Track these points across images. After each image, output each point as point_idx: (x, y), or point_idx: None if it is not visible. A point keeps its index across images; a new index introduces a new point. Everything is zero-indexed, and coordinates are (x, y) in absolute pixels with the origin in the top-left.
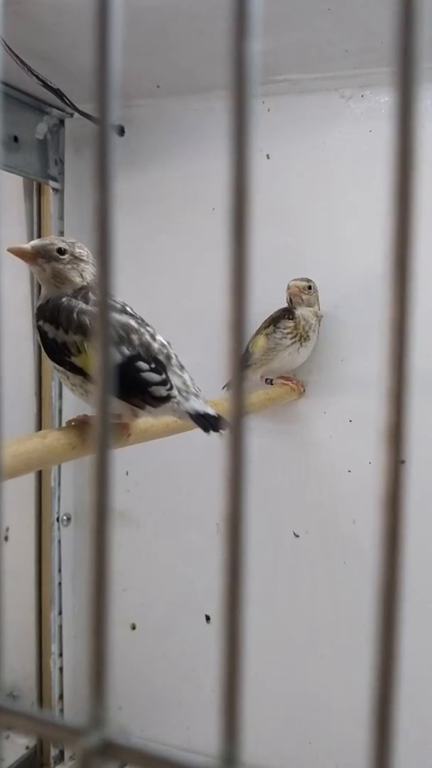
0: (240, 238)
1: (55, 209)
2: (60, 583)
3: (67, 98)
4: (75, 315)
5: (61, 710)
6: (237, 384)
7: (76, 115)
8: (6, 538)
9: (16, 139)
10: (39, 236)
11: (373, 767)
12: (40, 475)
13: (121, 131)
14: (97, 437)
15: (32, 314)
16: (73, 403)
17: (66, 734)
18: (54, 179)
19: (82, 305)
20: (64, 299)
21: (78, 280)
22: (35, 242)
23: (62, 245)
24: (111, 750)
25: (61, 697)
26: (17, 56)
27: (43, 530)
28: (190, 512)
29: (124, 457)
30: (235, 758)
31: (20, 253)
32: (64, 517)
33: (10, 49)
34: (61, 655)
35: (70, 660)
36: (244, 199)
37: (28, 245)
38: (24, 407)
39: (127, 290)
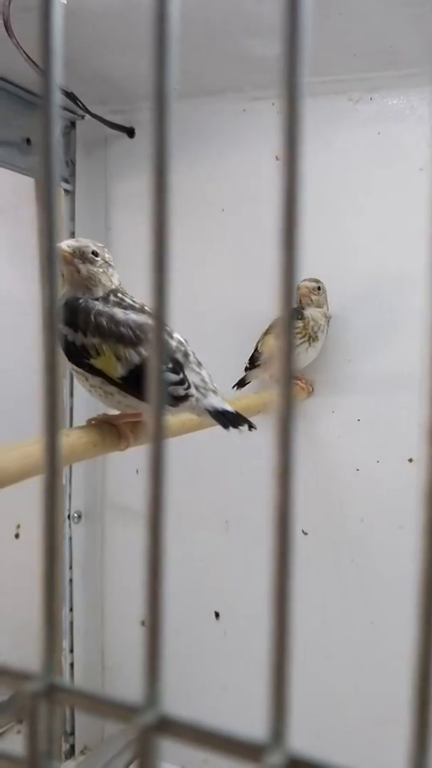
0: (290, 240)
1: (66, 210)
2: (71, 580)
3: (79, 101)
4: (92, 317)
5: (71, 663)
6: (284, 379)
7: (88, 117)
8: (17, 536)
9: (28, 141)
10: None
11: (413, 760)
12: None
13: (132, 133)
14: (152, 444)
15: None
16: (85, 402)
17: (123, 711)
18: (65, 181)
19: (98, 306)
20: (80, 300)
21: (108, 283)
22: (71, 243)
23: (95, 248)
24: (167, 726)
25: (71, 650)
26: (30, 59)
27: (54, 529)
28: (200, 510)
29: (135, 456)
30: (283, 734)
31: (59, 254)
32: (75, 515)
33: (23, 52)
34: (72, 651)
35: (81, 656)
36: (295, 203)
37: (64, 245)
38: (35, 406)
39: (136, 290)
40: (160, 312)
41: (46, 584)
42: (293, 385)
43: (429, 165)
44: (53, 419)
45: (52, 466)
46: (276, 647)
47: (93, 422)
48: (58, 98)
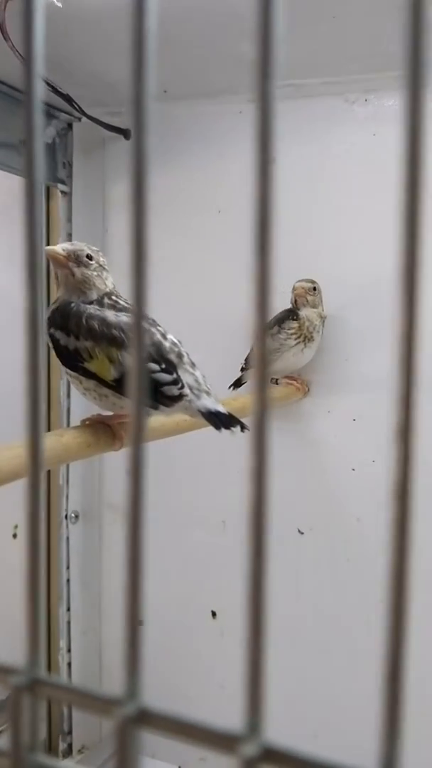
0: (264, 243)
1: (63, 212)
2: (68, 580)
3: (75, 103)
4: (84, 320)
5: (69, 663)
6: (259, 380)
7: (84, 119)
8: (15, 536)
9: (24, 142)
10: (48, 239)
11: (382, 762)
12: (48, 473)
13: (128, 135)
14: (132, 439)
15: (41, 316)
16: (82, 403)
17: (103, 704)
18: (62, 182)
19: (90, 310)
20: (72, 304)
21: (102, 287)
22: (66, 246)
23: (90, 252)
24: (147, 718)
25: (69, 649)
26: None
27: (51, 528)
28: (196, 510)
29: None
30: (259, 726)
31: (53, 256)
32: (73, 515)
33: (19, 54)
34: (69, 650)
35: (78, 655)
36: (268, 206)
37: (59, 248)
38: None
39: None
40: (139, 309)
41: (30, 577)
42: (289, 385)
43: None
44: (35, 421)
45: (35, 465)
46: (251, 640)
47: (87, 423)
48: (40, 94)
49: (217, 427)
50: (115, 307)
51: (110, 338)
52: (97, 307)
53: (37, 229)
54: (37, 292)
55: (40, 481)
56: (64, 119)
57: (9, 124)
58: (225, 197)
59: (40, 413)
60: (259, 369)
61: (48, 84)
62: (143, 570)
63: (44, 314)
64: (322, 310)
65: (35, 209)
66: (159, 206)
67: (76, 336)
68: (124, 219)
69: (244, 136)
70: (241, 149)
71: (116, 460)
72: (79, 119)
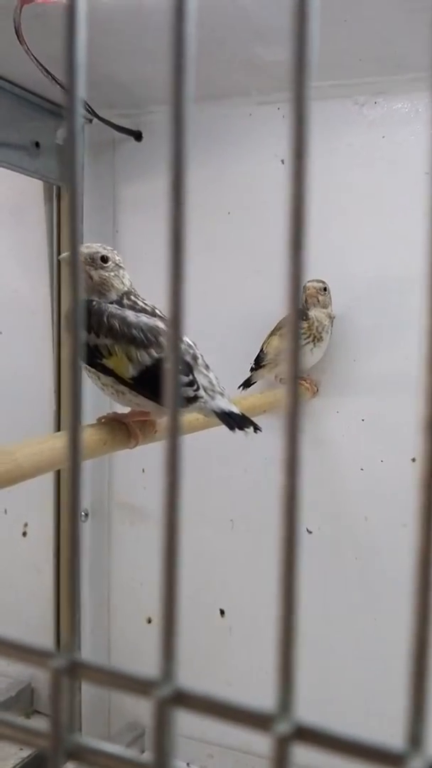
0: (297, 245)
1: (81, 214)
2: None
3: (87, 105)
4: (105, 319)
5: (80, 702)
6: (291, 379)
7: (96, 121)
8: (24, 534)
9: (37, 144)
10: (59, 240)
11: (409, 741)
12: (58, 471)
13: (139, 137)
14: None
15: (51, 316)
16: (92, 402)
17: (141, 686)
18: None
19: (111, 309)
20: (94, 303)
21: (121, 286)
22: (82, 250)
23: (105, 253)
24: (182, 699)
25: (79, 689)
26: (40, 64)
27: (61, 526)
28: (206, 509)
29: (141, 455)
30: (290, 704)
31: (69, 262)
32: (82, 513)
33: (33, 57)
34: (78, 648)
35: (88, 654)
36: (302, 207)
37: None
38: (43, 406)
39: (145, 290)
40: (176, 318)
41: (70, 567)
42: (299, 385)
43: None
44: (76, 417)
45: (75, 461)
46: (284, 619)
47: (103, 420)
48: (80, 110)
49: (231, 428)
50: (134, 307)
51: (130, 338)
52: (117, 306)
53: (77, 233)
54: (79, 293)
55: (80, 475)
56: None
57: (22, 125)
58: (235, 199)
59: (79, 410)
60: (291, 367)
61: (60, 85)
62: (180, 558)
63: (80, 315)
64: (331, 311)
65: (76, 216)
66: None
67: (97, 333)
68: (135, 220)
69: (254, 137)
70: (251, 151)
71: (126, 459)
72: (90, 121)
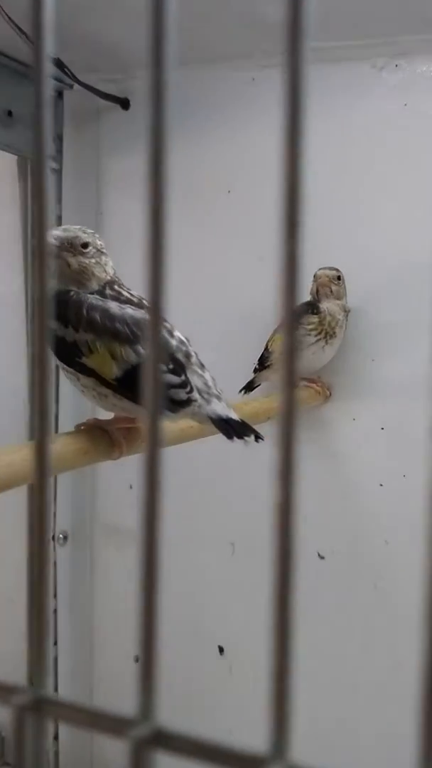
0: (293, 225)
1: (52, 191)
2: (56, 610)
3: (67, 68)
4: (85, 311)
5: (56, 752)
6: (287, 386)
7: (77, 86)
8: None
9: (9, 113)
10: (33, 221)
11: None
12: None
13: (126, 105)
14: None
15: (25, 309)
16: (72, 408)
17: (116, 725)
18: (51, 158)
19: (92, 300)
20: (72, 293)
21: (103, 275)
22: (58, 233)
23: (85, 237)
24: (162, 739)
25: (56, 737)
26: (13, 22)
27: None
28: (202, 530)
29: (128, 468)
30: (285, 748)
31: None
32: (61, 536)
33: (6, 15)
34: (56, 689)
35: (68, 696)
36: (297, 184)
37: (50, 236)
38: (15, 412)
39: (132, 280)
40: (156, 306)
41: (36, 594)
42: (296, 386)
43: None
44: (44, 422)
45: (42, 473)
46: (277, 656)
47: (82, 427)
48: (49, 70)
49: (229, 436)
50: (118, 298)
51: (113, 332)
52: (98, 297)
53: (46, 213)
54: (46, 282)
55: (48, 489)
56: (54, 87)
57: None
58: (235, 175)
59: (48, 416)
60: (287, 367)
61: (30, 41)
62: (159, 582)
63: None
64: (346, 303)
65: (44, 193)
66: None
67: (75, 327)
68: (122, 200)
69: (258, 105)
70: (254, 121)
71: (111, 474)
72: (71, 87)
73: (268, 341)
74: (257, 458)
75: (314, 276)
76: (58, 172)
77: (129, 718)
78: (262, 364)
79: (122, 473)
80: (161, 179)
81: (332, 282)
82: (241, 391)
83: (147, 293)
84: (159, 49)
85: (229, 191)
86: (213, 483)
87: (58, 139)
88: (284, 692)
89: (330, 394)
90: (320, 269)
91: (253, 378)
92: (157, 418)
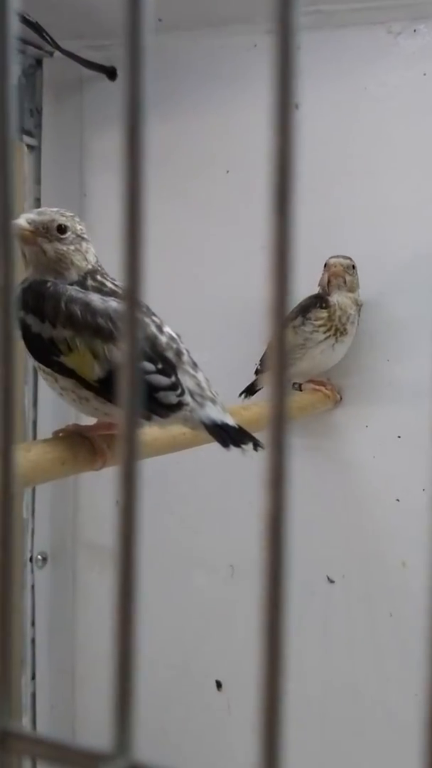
0: (283, 208)
1: (29, 171)
2: (33, 640)
3: (46, 33)
4: (63, 304)
5: (30, 754)
6: (277, 387)
7: (58, 54)
8: None
9: None
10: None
11: None
12: None
13: (113, 74)
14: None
15: None
16: (52, 413)
17: (89, 760)
18: (29, 134)
19: (71, 291)
20: (48, 284)
21: (84, 263)
22: (32, 217)
23: (63, 221)
24: None
25: None
26: None
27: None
28: (199, 551)
29: (113, 481)
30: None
31: (17, 233)
32: (39, 557)
33: None
34: (34, 728)
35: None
36: (288, 163)
37: (23, 220)
38: None
39: (113, 271)
40: (132, 292)
41: (1, 609)
42: (288, 389)
43: None
44: (8, 424)
45: (6, 483)
46: (265, 716)
47: (61, 434)
48: (15, 28)
49: (225, 444)
50: (101, 290)
51: (95, 328)
52: (78, 288)
53: (9, 191)
54: (11, 270)
55: (12, 502)
56: (32, 54)
57: None
58: (234, 154)
59: (11, 417)
60: (276, 369)
61: None
62: (136, 604)
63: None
64: (359, 296)
65: (7, 168)
66: (151, 165)
67: (53, 322)
68: (108, 180)
69: (260, 75)
70: (254, 93)
71: (95, 487)
72: (51, 54)
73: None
74: (258, 469)
75: (325, 265)
76: (37, 150)
77: (103, 752)
78: (264, 365)
79: (107, 486)
80: (138, 155)
81: (346, 271)
82: (241, 394)
83: (122, 278)
84: (136, 8)
85: (227, 171)
86: (211, 498)
87: (37, 112)
88: (275, 731)
89: (340, 398)
90: (332, 257)
91: (255, 380)
92: (134, 420)
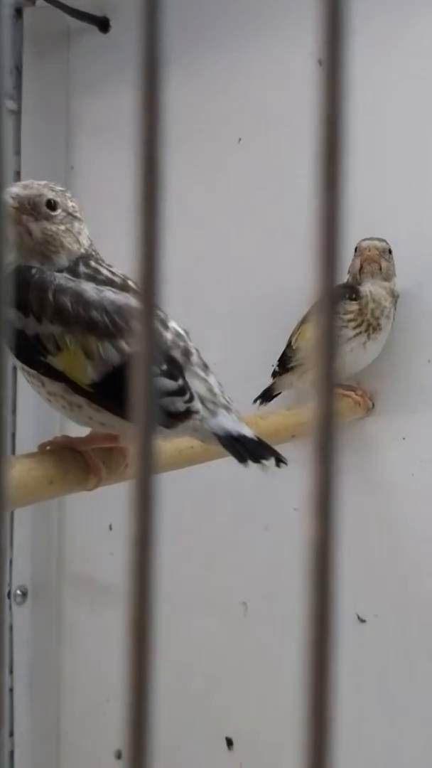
0: (332, 180)
1: (8, 139)
2: (11, 690)
3: None
4: (51, 295)
5: None
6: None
7: (41, 2)
8: None
9: None
10: None
11: None
12: None
13: (105, 26)
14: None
15: None
16: (34, 421)
17: None
18: (7, 96)
19: (60, 280)
20: (33, 271)
21: (76, 246)
22: (17, 191)
23: (53, 196)
24: None
25: None
26: None
27: None
28: (208, 587)
29: (107, 502)
30: None
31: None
32: (19, 592)
33: None
34: None
35: None
36: (338, 128)
37: (7, 195)
38: None
39: (112, 254)
40: (149, 287)
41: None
42: (335, 395)
43: None
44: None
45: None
46: (311, 756)
47: (48, 447)
48: None
49: (242, 459)
50: (95, 277)
51: (88, 323)
52: (69, 276)
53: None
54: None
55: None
56: (10, 2)
57: None
58: (248, 119)
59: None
60: (323, 368)
61: None
62: (154, 650)
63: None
64: (395, 285)
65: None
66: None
67: (38, 317)
68: (99, 149)
69: (277, 26)
70: (272, 45)
71: (85, 509)
72: (33, 1)
73: (292, 335)
74: (278, 489)
75: (356, 249)
76: (16, 114)
77: None
78: (284, 365)
79: (99, 509)
80: (155, 122)
81: (382, 256)
82: (256, 400)
83: (137, 271)
84: None
85: (239, 139)
86: (221, 523)
87: (17, 71)
88: None
89: (373, 405)
90: (365, 240)
91: (272, 384)
92: (150, 436)
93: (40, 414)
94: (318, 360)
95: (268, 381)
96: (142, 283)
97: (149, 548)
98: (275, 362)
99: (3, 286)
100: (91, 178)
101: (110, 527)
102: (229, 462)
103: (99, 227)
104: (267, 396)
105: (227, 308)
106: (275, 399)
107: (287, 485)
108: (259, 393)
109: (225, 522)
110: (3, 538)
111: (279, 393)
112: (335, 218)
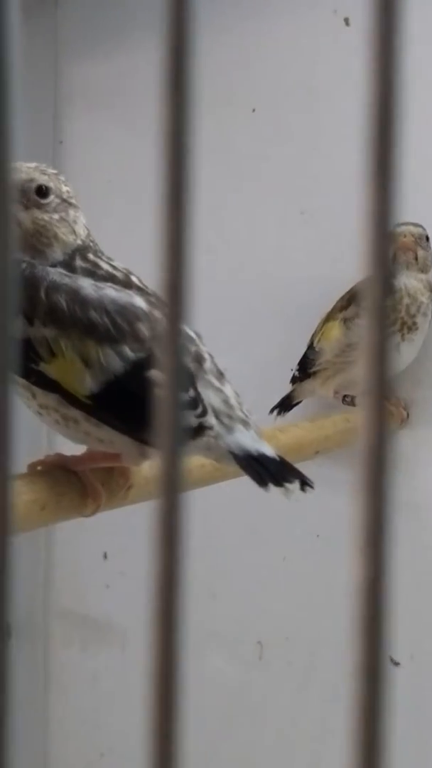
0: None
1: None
2: None
3: None
4: (43, 293)
5: None
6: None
7: None
8: None
9: None
10: None
11: None
12: None
13: None
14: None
15: None
16: (24, 436)
17: None
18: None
19: (54, 276)
20: (24, 266)
21: (71, 237)
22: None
23: (44, 181)
24: None
25: None
26: None
27: None
28: (216, 623)
29: (102, 529)
30: None
31: None
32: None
33: None
34: None
35: None
36: (391, 104)
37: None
38: None
39: (110, 245)
40: (175, 287)
41: None
42: (386, 410)
43: None
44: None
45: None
46: None
47: (39, 468)
48: None
49: (262, 483)
50: (94, 272)
51: (86, 325)
52: (63, 271)
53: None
54: (8, 251)
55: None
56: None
57: None
58: (264, 88)
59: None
60: (373, 381)
61: None
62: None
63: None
64: None
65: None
66: (157, 99)
67: (29, 318)
68: (92, 122)
69: None
70: (290, 5)
71: (77, 537)
72: None
73: (314, 335)
74: (300, 514)
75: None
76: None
77: None
78: (306, 370)
79: (93, 536)
80: (182, 106)
81: (418, 244)
82: (273, 410)
83: (160, 274)
84: None
85: (254, 110)
86: (233, 553)
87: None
88: None
89: (407, 415)
90: (399, 225)
91: (292, 391)
92: (177, 462)
93: (29, 430)
94: (368, 374)
95: (287, 388)
96: (168, 295)
97: (176, 592)
98: (295, 366)
99: (9, 288)
100: (82, 153)
101: (105, 555)
102: (243, 483)
103: (92, 213)
104: (286, 405)
105: (239, 304)
106: (295, 408)
107: (309, 509)
108: (276, 402)
109: (237, 552)
110: (7, 566)
111: (299, 401)
112: (387, 214)
